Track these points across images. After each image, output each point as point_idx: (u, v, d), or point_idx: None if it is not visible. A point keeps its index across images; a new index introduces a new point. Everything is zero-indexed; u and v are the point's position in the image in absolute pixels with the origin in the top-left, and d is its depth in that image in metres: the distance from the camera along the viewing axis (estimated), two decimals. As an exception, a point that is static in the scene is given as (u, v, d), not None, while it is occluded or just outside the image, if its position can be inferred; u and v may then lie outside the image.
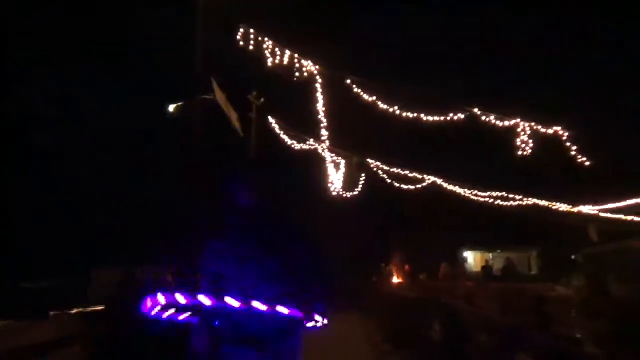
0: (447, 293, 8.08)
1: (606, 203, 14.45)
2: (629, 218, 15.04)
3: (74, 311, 5.31)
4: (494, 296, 9.38)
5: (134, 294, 5.31)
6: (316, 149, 16.46)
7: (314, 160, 16.42)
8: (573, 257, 20.07)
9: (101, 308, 5.23)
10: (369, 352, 8.47)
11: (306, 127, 15.74)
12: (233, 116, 14.71)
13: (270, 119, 16.86)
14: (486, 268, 20.17)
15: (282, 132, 16.91)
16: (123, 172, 17.18)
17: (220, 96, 13.05)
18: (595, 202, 14.85)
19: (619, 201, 13.96)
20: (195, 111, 11.81)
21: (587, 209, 15.20)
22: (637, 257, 16.49)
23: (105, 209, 17.68)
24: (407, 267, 18.91)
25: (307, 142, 16.48)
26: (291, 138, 16.78)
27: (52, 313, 5.06)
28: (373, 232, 18.97)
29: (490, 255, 24.37)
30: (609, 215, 15.06)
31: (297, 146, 16.67)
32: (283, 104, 16.12)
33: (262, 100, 17.45)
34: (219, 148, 15.57)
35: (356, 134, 13.66)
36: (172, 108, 13.92)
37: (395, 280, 17.95)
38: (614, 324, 4.88)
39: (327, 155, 15.37)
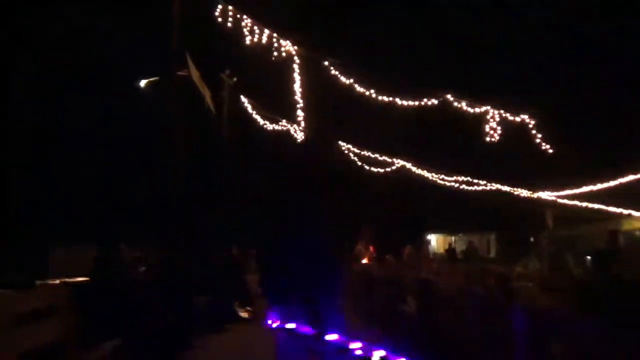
0: (413, 273, 8.44)
1: (564, 190, 15.22)
2: (583, 204, 15.90)
3: (57, 281, 5.32)
4: (459, 275, 9.86)
5: (117, 268, 5.38)
6: (289, 130, 16.55)
7: (287, 142, 16.52)
8: (532, 239, 21.11)
9: (83, 279, 5.27)
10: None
11: (280, 108, 15.78)
12: (206, 94, 14.58)
13: (243, 99, 16.80)
14: (450, 250, 21.02)
15: (254, 112, 16.89)
16: (90, 150, 16.76)
17: (194, 73, 12.91)
18: (553, 189, 15.61)
19: (575, 188, 14.74)
20: (169, 87, 11.70)
21: (545, 195, 15.97)
22: (586, 242, 17.60)
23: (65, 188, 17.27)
24: (371, 248, 19.41)
25: (280, 123, 16.55)
26: (264, 118, 16.80)
27: (38, 282, 5.06)
28: (342, 212, 19.30)
29: (453, 238, 25.25)
30: (565, 201, 15.88)
31: (270, 127, 16.72)
32: (257, 84, 16.05)
33: (235, 79, 17.35)
34: (192, 126, 15.43)
35: (330, 116, 13.79)
36: (143, 83, 13.68)
37: (364, 261, 18.35)
38: (571, 297, 5.33)
39: (301, 137, 15.49)
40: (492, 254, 23.76)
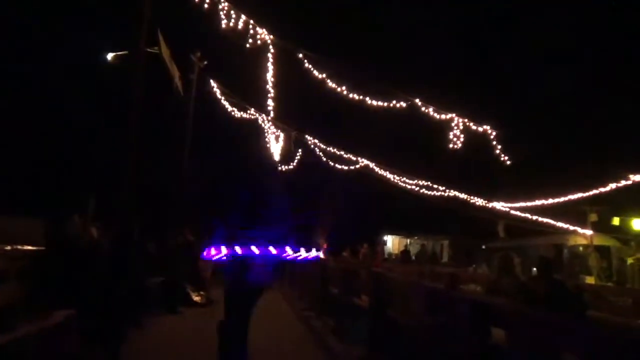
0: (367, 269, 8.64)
1: (517, 202, 15.83)
2: (534, 217, 16.60)
3: (8, 247, 5.13)
4: (411, 275, 10.13)
5: (71, 239, 5.25)
6: (256, 119, 16.46)
7: (254, 131, 16.40)
8: (483, 246, 21.87)
9: (34, 248, 5.11)
10: (294, 320, 8.87)
11: (249, 96, 15.67)
12: (175, 74, 14.31)
13: (212, 83, 16.57)
14: (405, 252, 21.52)
15: (222, 98, 16.69)
16: (51, 120, 16.15)
17: (165, 51, 12.64)
18: (507, 200, 16.20)
19: (528, 201, 15.36)
20: (137, 63, 11.38)
21: (499, 205, 16.56)
22: (534, 253, 18.39)
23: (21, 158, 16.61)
24: (324, 244, 19.66)
25: (248, 112, 16.43)
26: (232, 105, 16.63)
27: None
28: (302, 207, 19.37)
29: (408, 240, 25.79)
30: (518, 213, 16.53)
31: (238, 114, 16.56)
32: (227, 70, 15.87)
33: (205, 62, 17.08)
34: (157, 105, 15.09)
35: (299, 109, 13.82)
36: (110, 56, 13.27)
37: (321, 255, 18.51)
38: (515, 299, 5.62)
39: (268, 127, 15.44)
40: (445, 259, 24.43)
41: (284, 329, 7.85)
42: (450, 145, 10.37)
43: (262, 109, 14.44)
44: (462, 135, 10.31)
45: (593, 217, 16.75)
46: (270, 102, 11.85)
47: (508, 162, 10.46)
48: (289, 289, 13.81)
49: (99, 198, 8.76)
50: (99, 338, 4.84)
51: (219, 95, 16.35)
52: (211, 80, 16.19)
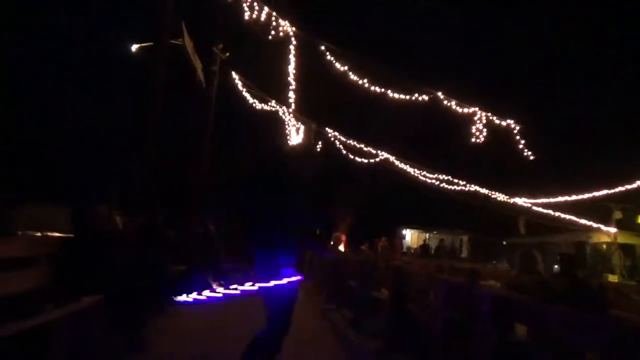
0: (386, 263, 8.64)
1: (539, 198, 15.60)
2: (556, 214, 16.33)
3: (39, 233, 5.30)
4: (430, 269, 10.09)
5: (98, 226, 5.38)
6: (277, 111, 16.51)
7: (274, 123, 16.48)
8: (504, 242, 21.64)
9: (61, 235, 5.26)
10: (312, 312, 8.93)
11: (270, 88, 15.73)
12: (198, 66, 14.44)
13: (234, 75, 16.66)
14: (424, 246, 21.48)
15: (244, 90, 16.78)
16: (78, 110, 16.48)
17: (188, 43, 12.76)
18: (529, 196, 15.97)
19: (550, 197, 15.12)
20: (161, 55, 11.51)
21: (521, 201, 16.34)
22: (555, 250, 18.13)
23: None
24: (344, 237, 19.70)
25: (269, 104, 16.49)
26: (253, 97, 16.71)
27: (19, 232, 5.03)
28: (323, 200, 19.44)
29: (427, 235, 25.63)
30: (539, 209, 16.28)
31: (259, 106, 16.64)
32: (249, 62, 15.93)
33: (227, 54, 17.16)
34: (181, 97, 15.27)
35: (320, 101, 13.81)
36: (135, 48, 13.44)
37: (341, 248, 18.57)
38: (535, 294, 5.55)
39: (289, 119, 15.49)
40: (464, 254, 24.24)
41: (302, 322, 7.90)
42: (473, 139, 10.27)
43: (283, 101, 14.52)
44: (484, 130, 10.20)
45: (618, 215, 16.41)
46: (291, 94, 11.92)
47: (531, 157, 10.31)
48: (307, 282, 13.89)
49: (122, 187, 8.95)
50: (123, 324, 4.96)
51: (240, 87, 16.47)
52: (233, 72, 16.31)
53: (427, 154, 16.15)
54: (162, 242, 7.03)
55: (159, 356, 5.01)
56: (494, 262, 17.59)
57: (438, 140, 15.34)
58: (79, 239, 4.81)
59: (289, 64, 10.97)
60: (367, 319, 6.57)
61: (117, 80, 16.55)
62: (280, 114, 16.34)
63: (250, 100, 16.56)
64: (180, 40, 12.22)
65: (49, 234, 5.30)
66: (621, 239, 16.73)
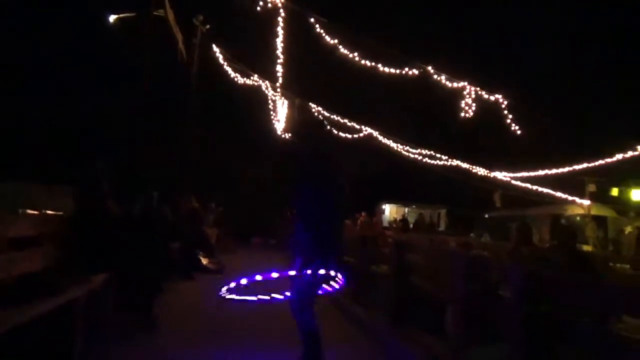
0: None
1: (519, 171, 15.95)
2: (534, 188, 16.77)
3: (36, 212, 5.11)
4: (420, 242, 10.24)
5: (102, 204, 5.22)
6: (259, 86, 16.22)
7: (256, 98, 16.22)
8: (486, 215, 22.16)
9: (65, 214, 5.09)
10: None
11: (254, 62, 15.39)
12: (179, 38, 13.98)
13: (215, 48, 16.21)
14: (404, 220, 21.79)
15: (225, 64, 16.37)
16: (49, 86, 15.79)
17: (170, 14, 12.32)
18: (509, 170, 16.32)
19: (531, 171, 15.49)
20: (142, 26, 11.09)
21: (501, 175, 16.69)
22: (531, 222, 18.67)
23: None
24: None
25: (252, 78, 16.16)
26: (235, 71, 16.33)
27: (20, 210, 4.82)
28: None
29: (406, 209, 26.00)
30: (519, 183, 16.68)
31: (241, 80, 16.29)
32: (233, 35, 15.52)
33: (208, 26, 16.65)
34: (161, 71, 14.81)
35: (308, 76, 13.61)
36: (113, 19, 12.90)
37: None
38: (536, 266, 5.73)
39: (272, 94, 15.25)
40: (442, 227, 24.74)
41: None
42: (462, 114, 10.34)
43: (268, 74, 14.25)
44: (473, 104, 10.27)
45: (591, 188, 17.00)
46: (279, 68, 11.70)
47: (518, 132, 10.47)
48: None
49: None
50: (132, 303, 4.88)
51: (222, 61, 16.06)
52: (214, 45, 15.86)
53: (415, 129, 16.21)
54: (162, 221, 6.91)
55: (169, 334, 4.96)
56: (472, 234, 18.01)
57: (427, 115, 15.38)
58: (82, 217, 4.67)
59: (277, 36, 10.72)
60: (371, 294, 6.66)
61: (95, 54, 15.90)
62: (264, 88, 16.07)
63: (232, 74, 16.20)
64: (162, 11, 11.78)
65: (47, 212, 5.11)
66: (594, 211, 17.38)
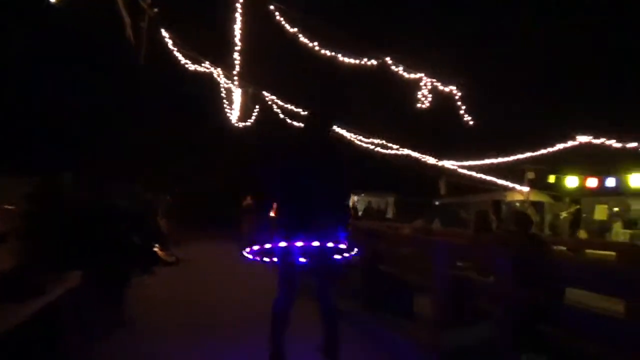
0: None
1: (467, 160, 16.64)
2: (479, 175, 17.59)
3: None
4: (375, 229, 10.48)
5: (64, 198, 4.95)
6: (211, 73, 15.81)
7: (208, 86, 15.79)
8: (437, 203, 22.95)
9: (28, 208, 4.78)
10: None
11: (205, 48, 14.95)
12: (127, 22, 13.32)
13: (164, 33, 15.59)
14: (354, 209, 22.18)
15: (175, 49, 15.80)
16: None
17: (118, -5, 11.70)
18: (457, 159, 16.98)
19: (478, 160, 16.20)
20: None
21: (449, 164, 17.34)
22: (475, 208, 19.61)
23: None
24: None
25: (203, 64, 15.71)
26: (186, 57, 15.80)
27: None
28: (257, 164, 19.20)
29: (355, 197, 26.44)
30: (465, 171, 17.41)
31: (192, 67, 15.79)
32: (185, 20, 14.95)
33: (156, 10, 15.96)
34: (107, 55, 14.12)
35: (262, 64, 13.42)
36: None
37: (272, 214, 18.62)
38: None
39: (225, 81, 14.91)
40: (389, 215, 25.42)
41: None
42: (419, 105, 10.62)
43: (222, 61, 13.91)
44: (429, 95, 10.57)
45: (531, 175, 18.04)
46: (236, 56, 11.47)
47: (471, 123, 10.91)
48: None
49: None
50: (105, 300, 4.69)
51: (171, 46, 15.48)
52: (163, 30, 15.24)
53: (368, 118, 16.42)
54: (122, 213, 6.62)
55: (142, 329, 4.83)
56: (419, 221, 18.59)
57: (384, 105, 15.63)
58: (46, 211, 4.40)
59: (235, 22, 10.49)
60: (341, 282, 6.75)
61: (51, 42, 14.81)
62: (215, 76, 15.69)
63: (182, 60, 15.67)
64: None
65: (7, 207, 4.78)
66: (533, 197, 18.48)
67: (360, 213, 23.11)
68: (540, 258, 4.92)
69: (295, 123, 16.49)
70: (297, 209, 3.43)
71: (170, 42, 15.62)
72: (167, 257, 9.69)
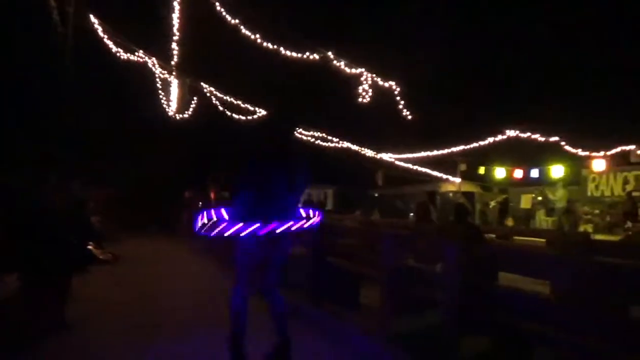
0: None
1: (404, 153, 17.21)
2: (415, 167, 18.26)
3: None
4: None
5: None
6: (145, 62, 15.20)
7: (144, 76, 15.18)
8: (376, 194, 23.46)
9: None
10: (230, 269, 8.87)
11: (140, 37, 14.34)
12: (52, 5, 12.52)
13: (93, 19, 14.77)
14: (295, 201, 22.35)
15: (106, 37, 15.02)
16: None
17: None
18: (394, 151, 17.52)
19: (415, 152, 16.81)
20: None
21: (387, 156, 17.85)
22: (411, 199, 20.37)
23: None
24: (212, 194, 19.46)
25: (137, 54, 15.07)
26: (117, 45, 15.06)
27: None
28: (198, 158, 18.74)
29: (295, 190, 26.53)
30: (401, 163, 18.01)
31: (124, 56, 15.09)
32: (117, 5, 14.22)
33: (84, -7, 15.07)
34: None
35: (201, 55, 13.09)
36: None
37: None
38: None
39: (160, 72, 14.39)
40: (329, 207, 25.73)
41: (216, 279, 7.92)
42: (359, 99, 10.82)
43: (158, 51, 13.42)
44: (370, 90, 10.80)
45: (462, 167, 18.98)
46: (174, 46, 11.13)
47: (409, 117, 11.27)
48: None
49: None
50: (44, 303, 4.44)
51: (101, 34, 14.69)
52: (91, 15, 14.42)
53: (310, 111, 16.48)
54: (56, 211, 6.26)
55: (86, 330, 4.63)
56: (357, 212, 19.05)
57: (324, 99, 15.72)
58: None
59: (173, 11, 10.18)
60: (285, 275, 6.79)
61: None
62: (150, 65, 15.10)
63: (114, 49, 14.93)
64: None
65: None
66: (464, 188, 19.45)
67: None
68: (478, 246, 5.25)
69: (235, 115, 16.28)
70: (260, 198, 3.41)
71: (100, 29, 14.87)
72: (103, 256, 9.28)
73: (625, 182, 14.02)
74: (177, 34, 10.25)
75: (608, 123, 12.11)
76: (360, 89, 10.74)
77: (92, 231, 10.19)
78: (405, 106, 11.17)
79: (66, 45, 14.17)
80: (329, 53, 10.48)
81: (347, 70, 10.66)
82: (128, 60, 15.05)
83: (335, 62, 10.58)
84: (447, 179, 19.68)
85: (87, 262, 8.23)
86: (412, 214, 16.38)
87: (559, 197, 14.11)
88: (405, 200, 21.52)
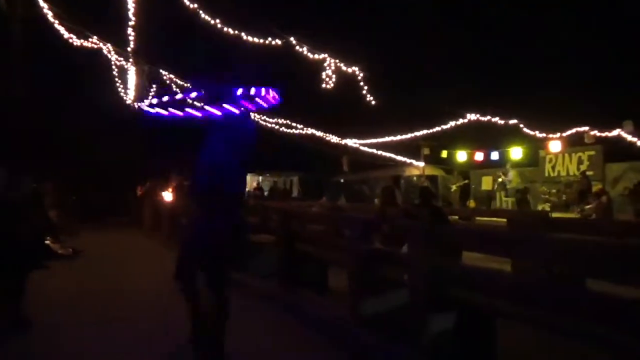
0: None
1: (367, 138, 17.33)
2: (379, 152, 18.43)
3: None
4: (288, 209, 10.62)
5: None
6: (100, 48, 14.62)
7: (98, 63, 14.60)
8: (342, 180, 23.56)
9: None
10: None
11: (95, 22, 13.76)
12: (-3, -11, 11.83)
13: (42, 3, 14.05)
14: (260, 189, 22.16)
15: (56, 22, 14.33)
16: None
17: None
18: (359, 137, 17.61)
19: (378, 138, 16.95)
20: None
21: (351, 142, 17.93)
22: (375, 183, 20.60)
23: None
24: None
25: (90, 40, 14.46)
26: (70, 31, 14.40)
27: None
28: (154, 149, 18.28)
29: (260, 177, 26.36)
30: (366, 148, 18.14)
31: (77, 42, 14.46)
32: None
33: (31, -24, 14.29)
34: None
35: (160, 41, 12.70)
36: None
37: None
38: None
39: (116, 58, 13.87)
40: (294, 194, 25.73)
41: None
42: (323, 85, 10.78)
43: (113, 36, 12.93)
44: (333, 76, 10.77)
45: (426, 151, 19.31)
46: (130, 31, 10.75)
47: (373, 103, 11.32)
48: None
49: None
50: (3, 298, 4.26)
51: (51, 19, 14.00)
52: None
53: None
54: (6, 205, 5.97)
55: (47, 326, 4.48)
56: (323, 198, 19.12)
57: (288, 85, 15.52)
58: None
59: (129, -4, 9.80)
60: (254, 262, 6.76)
61: None
62: (105, 52, 14.54)
63: (66, 34, 14.28)
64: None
65: None
66: (427, 171, 19.83)
67: (266, 193, 23.15)
68: (443, 227, 5.35)
69: (196, 103, 15.92)
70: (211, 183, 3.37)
71: (50, 14, 14.19)
72: (62, 250, 8.97)
73: (580, 162, 14.61)
74: (133, 18, 9.87)
75: (563, 105, 12.55)
76: (323, 75, 10.69)
77: (49, 226, 9.82)
78: (369, 91, 11.20)
79: (12, 28, 13.45)
80: (291, 38, 10.35)
81: (310, 55, 10.57)
82: (82, 47, 14.46)
83: (297, 47, 10.47)
84: (411, 163, 19.99)
85: (45, 257, 7.93)
86: (376, 199, 16.59)
87: (510, 178, 14.65)
88: (371, 185, 21.75)
